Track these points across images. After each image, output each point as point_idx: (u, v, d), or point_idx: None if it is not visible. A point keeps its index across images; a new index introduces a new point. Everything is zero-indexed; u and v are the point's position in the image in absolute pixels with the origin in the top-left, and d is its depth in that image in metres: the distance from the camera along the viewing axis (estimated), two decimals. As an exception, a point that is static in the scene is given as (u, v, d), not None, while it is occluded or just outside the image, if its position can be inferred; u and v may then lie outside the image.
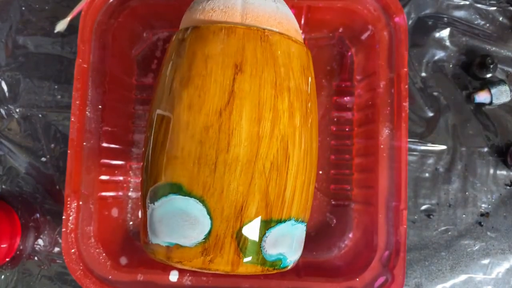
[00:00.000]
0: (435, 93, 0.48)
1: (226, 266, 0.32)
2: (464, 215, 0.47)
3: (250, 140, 0.31)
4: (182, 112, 0.32)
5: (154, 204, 0.33)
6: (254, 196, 0.32)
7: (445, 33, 0.49)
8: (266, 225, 0.32)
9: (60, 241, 0.47)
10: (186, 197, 0.31)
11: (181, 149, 0.32)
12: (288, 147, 0.33)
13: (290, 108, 0.33)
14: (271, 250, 0.33)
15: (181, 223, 0.32)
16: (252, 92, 0.32)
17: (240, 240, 0.32)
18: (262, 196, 0.32)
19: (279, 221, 0.33)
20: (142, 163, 0.36)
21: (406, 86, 0.40)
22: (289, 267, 0.35)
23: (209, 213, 0.31)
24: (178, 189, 0.32)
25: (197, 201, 0.31)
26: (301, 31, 0.41)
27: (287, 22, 0.35)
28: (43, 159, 0.48)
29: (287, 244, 0.34)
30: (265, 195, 0.32)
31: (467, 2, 0.49)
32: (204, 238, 0.31)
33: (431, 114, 0.48)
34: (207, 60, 0.32)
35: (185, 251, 0.32)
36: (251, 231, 0.32)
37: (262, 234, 0.32)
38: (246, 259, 0.32)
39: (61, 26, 0.43)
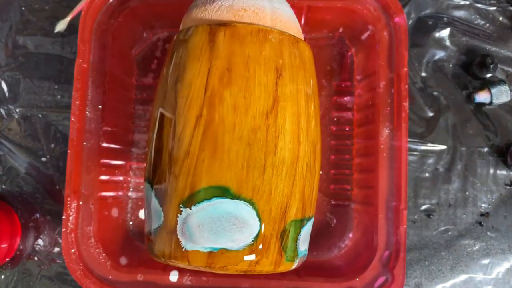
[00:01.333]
0: (435, 93, 0.48)
1: (270, 267, 0.32)
2: (464, 215, 0.47)
3: (292, 142, 0.32)
4: (226, 113, 0.31)
5: (191, 209, 0.31)
6: (295, 196, 0.33)
7: (445, 33, 0.49)
8: (301, 223, 0.34)
9: (60, 241, 0.47)
10: (235, 200, 0.31)
11: (227, 151, 0.31)
12: (316, 149, 0.35)
13: (314, 112, 0.35)
14: (302, 247, 0.35)
15: (228, 226, 0.31)
16: (291, 96, 0.33)
17: (283, 240, 0.32)
18: (300, 196, 0.33)
19: (308, 219, 0.35)
20: (150, 167, 0.34)
21: (406, 86, 0.40)
22: None
23: (258, 215, 0.31)
24: (224, 193, 0.31)
25: (247, 203, 0.31)
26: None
27: (300, 29, 0.37)
28: (43, 159, 0.48)
29: (308, 239, 0.36)
30: (302, 195, 0.33)
31: (467, 2, 0.49)
32: (252, 241, 0.31)
33: (431, 114, 0.48)
34: (249, 61, 0.32)
35: (231, 255, 0.31)
36: (292, 230, 0.33)
37: (298, 233, 0.34)
38: (286, 258, 0.33)
39: (61, 26, 0.43)
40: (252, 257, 0.31)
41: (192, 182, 0.31)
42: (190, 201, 0.31)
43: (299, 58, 0.34)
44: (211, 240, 0.31)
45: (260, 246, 0.31)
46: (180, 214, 0.31)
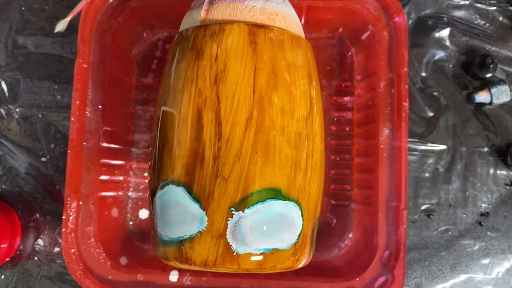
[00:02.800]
0: (435, 93, 0.48)
1: (304, 261, 0.34)
2: (464, 215, 0.47)
3: (321, 145, 0.35)
4: (275, 116, 0.31)
5: (244, 212, 0.31)
6: (320, 195, 0.35)
7: (445, 33, 0.49)
8: (319, 219, 0.37)
9: (60, 241, 0.47)
10: (286, 201, 0.32)
11: (278, 153, 0.31)
12: (325, 151, 0.37)
13: (323, 115, 0.37)
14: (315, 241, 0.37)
15: (279, 227, 0.32)
16: (319, 101, 0.35)
17: (312, 235, 0.35)
18: (322, 195, 0.36)
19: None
20: (177, 169, 0.32)
21: (406, 86, 0.40)
22: None
23: (302, 214, 0.33)
24: (277, 194, 0.32)
25: (295, 204, 0.32)
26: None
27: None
28: (43, 159, 0.48)
29: None
30: (322, 194, 0.36)
31: (467, 2, 0.49)
32: (297, 239, 0.33)
33: (431, 114, 0.48)
34: (289, 66, 0.32)
35: (280, 254, 0.32)
36: (316, 226, 0.36)
37: (317, 227, 0.36)
38: (313, 252, 0.36)
39: (61, 26, 0.43)
40: (295, 254, 0.33)
41: (245, 184, 0.31)
42: (243, 203, 0.31)
43: (314, 63, 0.36)
44: (264, 241, 0.31)
45: (301, 244, 0.33)
46: (232, 217, 0.31)
